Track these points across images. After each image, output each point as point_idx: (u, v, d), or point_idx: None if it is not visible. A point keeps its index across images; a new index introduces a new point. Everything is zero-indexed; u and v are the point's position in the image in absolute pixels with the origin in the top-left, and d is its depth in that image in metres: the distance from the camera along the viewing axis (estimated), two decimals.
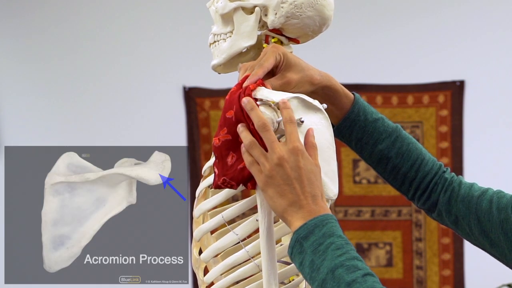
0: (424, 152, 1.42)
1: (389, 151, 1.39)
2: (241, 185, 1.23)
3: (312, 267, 1.09)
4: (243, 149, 1.18)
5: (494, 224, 1.32)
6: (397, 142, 1.39)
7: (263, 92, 1.22)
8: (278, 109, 1.23)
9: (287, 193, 1.13)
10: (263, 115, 1.17)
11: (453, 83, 3.73)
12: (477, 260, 3.48)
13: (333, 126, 1.36)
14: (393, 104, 3.75)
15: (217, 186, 1.23)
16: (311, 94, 1.30)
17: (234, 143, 1.20)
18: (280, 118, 1.18)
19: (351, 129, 1.38)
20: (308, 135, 1.19)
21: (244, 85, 1.23)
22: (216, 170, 1.23)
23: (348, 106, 1.37)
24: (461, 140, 3.72)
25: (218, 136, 1.21)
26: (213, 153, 1.25)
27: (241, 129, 1.19)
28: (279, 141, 1.17)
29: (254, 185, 1.21)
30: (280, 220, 1.33)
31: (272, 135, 1.15)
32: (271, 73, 1.28)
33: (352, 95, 1.38)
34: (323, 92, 1.33)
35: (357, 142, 1.40)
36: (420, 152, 1.41)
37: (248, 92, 1.20)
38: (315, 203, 1.14)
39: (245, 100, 1.18)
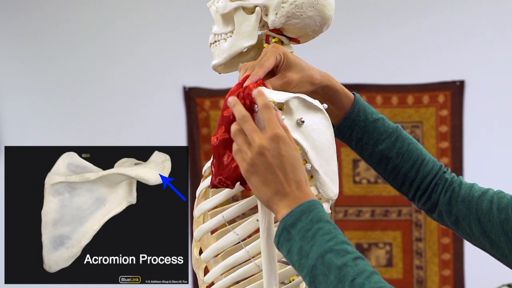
0: (425, 153, 1.42)
1: (390, 151, 1.39)
2: (239, 184, 1.23)
3: (301, 254, 1.08)
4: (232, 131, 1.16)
5: (494, 225, 1.31)
6: (398, 142, 1.39)
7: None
8: (280, 109, 1.23)
9: (270, 181, 1.12)
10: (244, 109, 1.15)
11: (453, 83, 3.73)
12: (477, 260, 3.48)
13: (333, 126, 1.35)
14: (393, 104, 3.75)
15: (214, 185, 1.23)
16: (312, 94, 1.30)
17: (231, 141, 1.19)
18: (283, 117, 1.17)
19: (352, 129, 1.38)
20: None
21: (245, 84, 1.23)
22: (213, 169, 1.22)
23: (349, 106, 1.37)
24: (461, 140, 3.72)
25: (216, 135, 1.21)
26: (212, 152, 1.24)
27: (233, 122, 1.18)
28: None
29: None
30: None
31: (252, 125, 1.13)
32: (271, 73, 1.28)
33: (352, 95, 1.38)
34: (323, 92, 1.34)
35: (357, 142, 1.40)
36: (421, 153, 1.41)
37: (248, 91, 1.19)
38: (299, 189, 1.12)
39: (230, 99, 1.17)
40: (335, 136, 1.37)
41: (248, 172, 1.13)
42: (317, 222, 1.09)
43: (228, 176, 1.20)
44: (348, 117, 1.38)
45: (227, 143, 1.20)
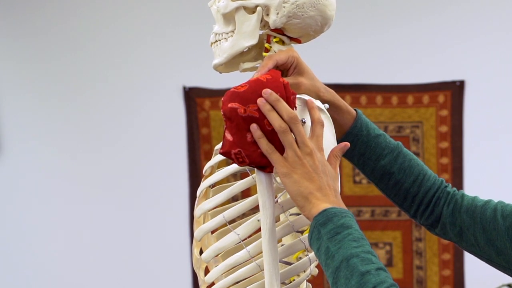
0: (426, 168, 1.43)
1: (391, 166, 1.40)
2: (253, 167, 1.22)
3: (327, 254, 1.12)
4: (257, 133, 1.18)
5: (500, 232, 1.33)
6: (399, 158, 1.40)
7: None
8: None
9: (315, 179, 1.17)
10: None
11: (453, 83, 3.73)
12: (477, 260, 3.47)
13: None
14: (393, 104, 3.75)
15: (227, 154, 1.20)
16: None
17: (260, 121, 1.19)
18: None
19: (354, 144, 1.40)
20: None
21: (255, 76, 1.25)
22: (230, 137, 1.20)
23: (350, 122, 1.39)
24: (461, 140, 3.72)
25: (244, 107, 1.19)
26: (225, 116, 1.20)
27: (267, 107, 1.18)
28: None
29: (272, 169, 1.21)
30: (281, 220, 1.33)
31: (302, 129, 1.19)
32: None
33: (354, 111, 1.40)
34: None
35: (359, 157, 1.41)
36: (422, 168, 1.42)
37: (293, 91, 1.23)
38: (337, 197, 1.18)
39: (267, 91, 1.19)
40: None
41: (293, 169, 1.17)
42: (348, 228, 1.13)
43: (250, 155, 1.19)
44: (350, 131, 1.39)
45: (254, 121, 1.19)
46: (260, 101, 1.18)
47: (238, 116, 1.19)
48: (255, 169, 1.23)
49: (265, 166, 1.21)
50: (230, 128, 1.20)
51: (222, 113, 1.20)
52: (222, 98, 1.21)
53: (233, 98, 1.19)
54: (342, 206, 1.17)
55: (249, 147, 1.19)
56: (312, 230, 1.15)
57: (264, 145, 1.18)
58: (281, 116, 1.18)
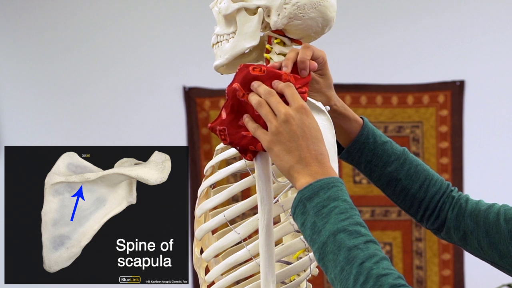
0: (432, 173, 1.44)
1: (398, 173, 1.41)
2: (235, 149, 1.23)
3: (314, 229, 1.08)
4: (245, 118, 1.19)
5: (502, 236, 1.33)
6: (406, 164, 1.41)
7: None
8: None
9: (293, 150, 1.13)
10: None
11: (453, 83, 3.73)
12: (477, 260, 3.48)
13: (342, 149, 1.41)
14: (393, 104, 3.75)
15: (213, 129, 1.22)
16: None
17: (251, 112, 1.19)
18: None
19: (361, 151, 1.40)
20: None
21: (283, 62, 1.26)
22: (224, 115, 1.21)
23: (357, 131, 1.40)
24: (461, 140, 3.72)
25: (244, 91, 1.19)
26: (227, 94, 1.21)
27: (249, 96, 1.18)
28: None
29: (251, 157, 1.21)
30: (282, 220, 1.33)
31: (278, 98, 1.16)
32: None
33: (360, 119, 1.41)
34: (332, 115, 1.36)
35: (366, 165, 1.42)
36: (428, 173, 1.43)
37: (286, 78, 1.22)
38: (321, 163, 1.13)
39: (255, 83, 1.19)
40: (344, 159, 1.40)
41: (272, 142, 1.14)
42: (334, 200, 1.09)
43: (231, 134, 1.20)
44: (357, 140, 1.40)
45: (247, 107, 1.19)
46: (250, 95, 1.19)
47: (236, 98, 1.20)
48: (255, 165, 1.23)
49: (245, 149, 1.21)
50: (226, 107, 1.21)
51: (226, 89, 1.21)
52: (238, 68, 1.21)
53: (243, 78, 1.20)
54: (327, 171, 1.12)
55: (234, 128, 1.20)
56: (297, 204, 1.11)
57: (250, 126, 1.18)
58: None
